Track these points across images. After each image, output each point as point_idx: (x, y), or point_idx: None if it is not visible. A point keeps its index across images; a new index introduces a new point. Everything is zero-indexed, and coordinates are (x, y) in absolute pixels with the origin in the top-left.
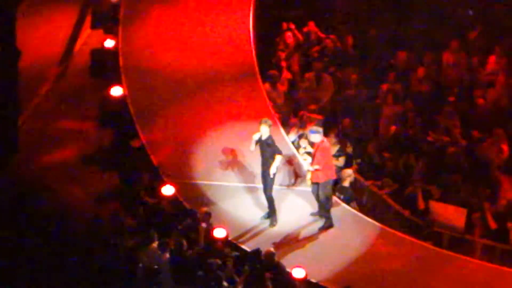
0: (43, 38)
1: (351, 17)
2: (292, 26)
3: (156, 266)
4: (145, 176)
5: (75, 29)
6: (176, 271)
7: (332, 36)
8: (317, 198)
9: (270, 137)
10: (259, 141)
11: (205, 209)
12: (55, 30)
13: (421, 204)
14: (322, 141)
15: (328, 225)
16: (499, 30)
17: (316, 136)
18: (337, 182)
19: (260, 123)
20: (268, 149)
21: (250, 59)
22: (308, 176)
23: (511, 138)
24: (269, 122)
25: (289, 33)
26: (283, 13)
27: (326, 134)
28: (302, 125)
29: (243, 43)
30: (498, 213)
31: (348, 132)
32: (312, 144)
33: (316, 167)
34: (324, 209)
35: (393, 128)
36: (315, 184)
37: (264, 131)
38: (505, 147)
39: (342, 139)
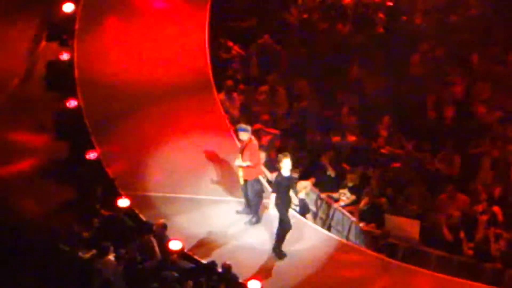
0: None
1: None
2: (230, 44)
3: (111, 278)
4: (99, 189)
5: (31, 41)
6: (130, 283)
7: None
8: (246, 195)
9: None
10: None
11: (161, 221)
12: (11, 42)
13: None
14: (250, 140)
15: (256, 221)
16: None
17: (244, 134)
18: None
19: (284, 156)
20: (285, 184)
21: (205, 71)
22: (240, 173)
23: (463, 150)
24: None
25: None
26: (237, 24)
27: (282, 149)
28: (258, 138)
29: (198, 54)
30: (452, 225)
31: (305, 144)
32: (240, 141)
33: (248, 163)
34: (253, 205)
35: (352, 138)
36: (245, 181)
37: (286, 165)
38: (457, 159)
39: (299, 151)
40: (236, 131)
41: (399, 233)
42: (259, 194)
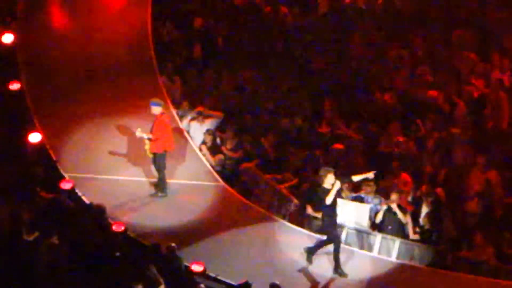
0: None
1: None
2: (171, 25)
3: (54, 261)
4: (39, 171)
5: None
6: (74, 266)
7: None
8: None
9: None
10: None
11: (100, 204)
12: None
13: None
14: (162, 114)
15: (162, 195)
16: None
17: (156, 108)
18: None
19: (328, 171)
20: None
21: (147, 53)
22: (147, 146)
23: (408, 131)
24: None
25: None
26: (181, 5)
27: (224, 129)
28: (200, 120)
29: (141, 36)
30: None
31: (248, 127)
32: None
33: (150, 136)
34: (159, 179)
35: (298, 121)
36: (154, 154)
37: (330, 179)
38: (401, 139)
39: (240, 134)
40: (151, 105)
41: (348, 217)
42: (162, 168)
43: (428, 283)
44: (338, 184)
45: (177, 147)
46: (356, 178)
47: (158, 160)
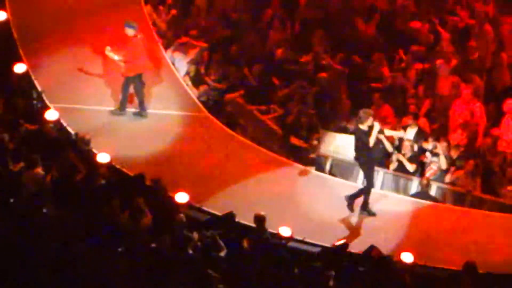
0: None
1: None
2: None
3: (39, 191)
4: (21, 102)
5: None
6: (59, 196)
7: None
8: (124, 91)
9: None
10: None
11: (87, 136)
12: None
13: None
14: (135, 36)
15: (144, 114)
16: None
17: (129, 30)
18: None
19: (367, 113)
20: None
21: None
22: (122, 70)
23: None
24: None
25: None
26: None
27: (209, 60)
28: (185, 51)
29: None
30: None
31: (233, 57)
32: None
33: (119, 58)
34: (139, 101)
35: (279, 51)
36: (126, 78)
37: (369, 121)
38: (385, 71)
39: (225, 64)
40: (125, 26)
41: (333, 148)
42: (141, 90)
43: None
44: (377, 126)
45: (161, 77)
46: (388, 132)
47: (134, 82)
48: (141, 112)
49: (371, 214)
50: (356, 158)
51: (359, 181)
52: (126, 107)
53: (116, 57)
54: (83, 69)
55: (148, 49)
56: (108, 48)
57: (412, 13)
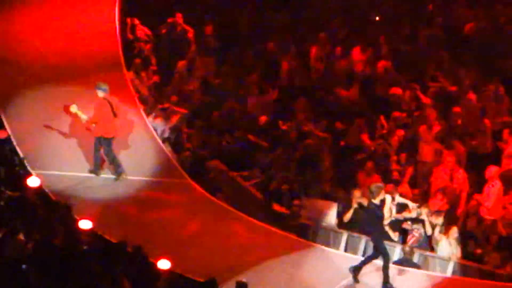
0: None
1: (216, 7)
2: (136, 22)
3: (20, 256)
4: (1, 171)
5: None
6: (40, 263)
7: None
8: (96, 150)
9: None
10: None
11: (67, 201)
12: None
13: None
14: (104, 98)
15: (120, 173)
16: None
17: (100, 92)
18: None
19: (380, 187)
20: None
21: (115, 49)
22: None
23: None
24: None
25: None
26: (148, 2)
27: (191, 126)
28: (167, 117)
29: (108, 33)
30: None
31: (215, 124)
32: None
33: (86, 117)
34: (111, 164)
35: (263, 118)
36: (97, 138)
37: (381, 195)
38: (364, 137)
39: (207, 130)
40: (95, 88)
41: (315, 215)
42: (110, 153)
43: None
44: (389, 198)
45: (143, 143)
46: (399, 200)
47: (104, 144)
48: (117, 176)
49: None
50: (368, 232)
51: (342, 248)
52: (100, 168)
53: (83, 116)
54: (50, 126)
55: (122, 112)
56: (74, 106)
57: (393, 79)
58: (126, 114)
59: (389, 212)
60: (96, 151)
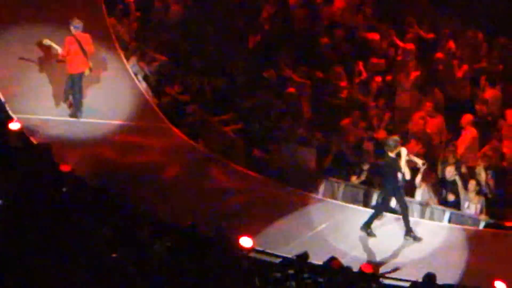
0: None
1: None
2: None
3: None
4: None
5: None
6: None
7: None
8: (66, 88)
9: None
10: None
11: (47, 144)
12: None
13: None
14: (73, 35)
15: (79, 115)
16: None
17: (73, 29)
18: None
19: (397, 142)
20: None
21: None
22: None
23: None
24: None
25: None
26: None
27: (172, 72)
28: (148, 64)
29: None
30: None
31: (196, 69)
32: None
33: (58, 48)
34: (75, 100)
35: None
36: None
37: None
38: (343, 84)
39: (188, 76)
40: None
41: (294, 160)
42: (77, 91)
43: None
44: (404, 152)
45: (124, 88)
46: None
47: (73, 81)
48: (75, 114)
49: (417, 239)
50: (383, 184)
51: (320, 193)
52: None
53: (56, 47)
54: (23, 58)
55: (89, 50)
56: (47, 40)
57: (374, 27)
58: (98, 53)
59: (406, 165)
60: (66, 86)
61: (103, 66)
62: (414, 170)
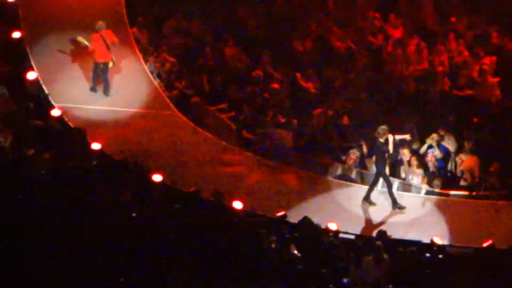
0: None
1: None
2: None
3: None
4: (31, 105)
5: None
6: (57, 177)
7: None
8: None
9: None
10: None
11: (81, 128)
12: None
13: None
14: (98, 33)
15: (108, 91)
16: None
17: (97, 28)
18: None
19: (384, 130)
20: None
21: (119, 9)
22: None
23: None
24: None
25: None
26: None
27: (181, 70)
28: (162, 64)
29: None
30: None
31: (198, 68)
32: None
33: (87, 44)
34: (105, 84)
35: (239, 65)
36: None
37: (385, 135)
38: (310, 85)
39: (192, 74)
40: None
41: (275, 140)
42: (103, 76)
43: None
44: (391, 137)
45: (141, 83)
46: (397, 137)
47: (100, 69)
48: (106, 93)
49: (402, 208)
50: (376, 164)
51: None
52: (96, 86)
53: (85, 42)
54: (61, 50)
55: (113, 41)
56: (79, 36)
57: (339, 36)
58: (118, 48)
59: (392, 148)
60: (94, 73)
61: (126, 66)
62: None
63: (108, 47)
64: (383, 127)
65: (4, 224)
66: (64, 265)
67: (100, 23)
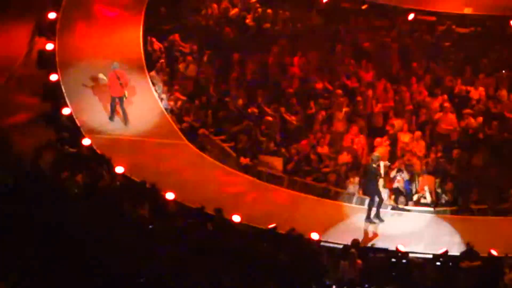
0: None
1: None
2: (153, 39)
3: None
4: (66, 135)
5: (29, 36)
6: (89, 196)
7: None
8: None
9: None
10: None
11: (107, 155)
12: (16, 37)
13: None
14: (113, 71)
15: (126, 122)
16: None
17: (113, 68)
18: None
19: (378, 158)
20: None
21: (139, 56)
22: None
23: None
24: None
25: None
26: (161, 27)
27: (189, 107)
28: (174, 102)
29: (135, 45)
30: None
31: (204, 105)
32: None
33: (105, 80)
34: (123, 115)
35: (239, 102)
36: (113, 98)
37: (379, 162)
38: (293, 118)
39: (199, 110)
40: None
41: (269, 166)
42: (121, 107)
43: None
44: (382, 163)
45: (157, 117)
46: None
47: (117, 101)
48: (125, 123)
49: (382, 220)
50: (366, 186)
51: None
52: (114, 116)
53: (105, 78)
54: (85, 85)
55: (125, 81)
56: (100, 74)
57: (317, 78)
58: (139, 88)
59: (384, 171)
60: (111, 105)
61: (144, 103)
62: None
63: (121, 84)
64: (377, 154)
65: (45, 236)
66: (98, 268)
67: (115, 63)
